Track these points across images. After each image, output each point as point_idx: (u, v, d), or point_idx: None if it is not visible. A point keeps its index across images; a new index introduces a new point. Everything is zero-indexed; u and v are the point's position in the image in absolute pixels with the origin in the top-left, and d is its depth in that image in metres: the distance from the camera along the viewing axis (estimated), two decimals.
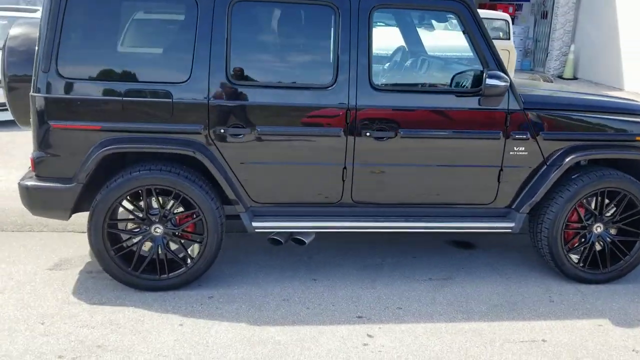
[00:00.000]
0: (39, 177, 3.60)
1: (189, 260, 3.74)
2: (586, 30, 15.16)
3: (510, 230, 4.01)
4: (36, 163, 3.56)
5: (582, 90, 5.75)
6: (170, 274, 3.73)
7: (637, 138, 4.09)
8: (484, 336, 3.42)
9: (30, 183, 3.59)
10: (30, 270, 3.98)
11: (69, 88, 3.47)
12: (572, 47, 15.27)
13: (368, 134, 3.71)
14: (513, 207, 4.03)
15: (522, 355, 3.23)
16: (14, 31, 3.98)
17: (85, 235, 4.46)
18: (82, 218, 4.68)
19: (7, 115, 7.83)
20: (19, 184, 3.66)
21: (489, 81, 3.63)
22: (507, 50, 11.21)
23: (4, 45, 3.97)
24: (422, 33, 4.50)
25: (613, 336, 3.48)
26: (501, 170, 3.94)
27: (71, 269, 4.03)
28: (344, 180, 3.80)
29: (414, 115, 3.77)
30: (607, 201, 4.09)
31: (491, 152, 3.89)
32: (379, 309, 3.66)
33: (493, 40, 3.77)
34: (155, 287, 3.73)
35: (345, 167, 3.77)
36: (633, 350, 3.34)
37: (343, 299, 3.78)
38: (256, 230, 3.76)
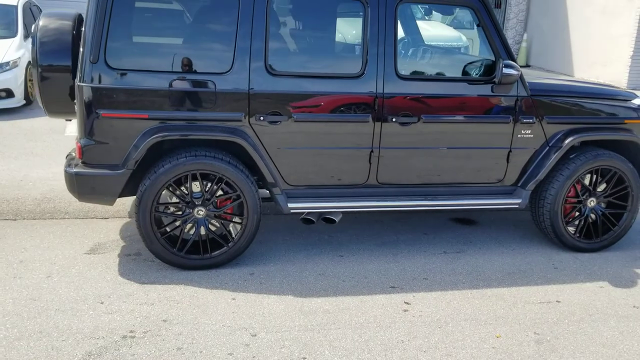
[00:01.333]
0: (86, 164, 3.74)
1: (230, 240, 3.96)
2: (538, 20, 15.97)
3: (517, 206, 4.42)
4: (84, 150, 3.70)
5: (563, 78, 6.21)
6: (213, 253, 3.95)
7: (626, 121, 4.57)
8: (506, 299, 3.81)
9: (78, 170, 3.72)
10: (69, 255, 4.11)
11: (117, 78, 3.62)
12: (525, 36, 16.06)
13: (394, 119, 4.03)
14: (519, 185, 4.44)
15: (543, 314, 3.64)
16: (44, 22, 4.07)
17: (110, 221, 4.68)
18: (102, 206, 4.84)
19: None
20: (65, 171, 3.78)
21: (506, 70, 4.00)
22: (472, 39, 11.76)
23: (35, 36, 4.06)
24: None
25: (614, 295, 3.95)
26: (510, 151, 4.34)
27: (108, 253, 4.18)
28: (370, 163, 4.11)
29: (434, 101, 4.11)
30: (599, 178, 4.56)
31: (502, 134, 4.28)
32: (407, 280, 4.00)
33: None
34: (200, 266, 3.95)
35: (372, 151, 4.07)
36: (633, 307, 3.81)
37: (372, 272, 4.10)
38: (291, 211, 4.02)
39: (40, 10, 10.74)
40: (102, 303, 3.50)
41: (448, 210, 4.89)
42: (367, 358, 3.11)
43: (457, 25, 11.62)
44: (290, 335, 3.27)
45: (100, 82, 3.61)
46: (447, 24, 10.81)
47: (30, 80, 8.56)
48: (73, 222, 4.75)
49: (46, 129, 7.46)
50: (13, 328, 3.20)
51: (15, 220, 4.74)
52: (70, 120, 4.77)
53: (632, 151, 4.62)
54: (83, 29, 3.72)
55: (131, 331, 3.23)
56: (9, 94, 8.00)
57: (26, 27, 9.12)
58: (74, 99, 4.19)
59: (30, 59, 4.16)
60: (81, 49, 3.87)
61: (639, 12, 13.44)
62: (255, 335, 3.25)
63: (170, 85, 3.67)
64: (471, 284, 4.00)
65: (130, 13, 3.65)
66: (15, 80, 8.06)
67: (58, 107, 4.25)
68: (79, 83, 3.64)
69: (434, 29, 8.30)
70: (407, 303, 3.70)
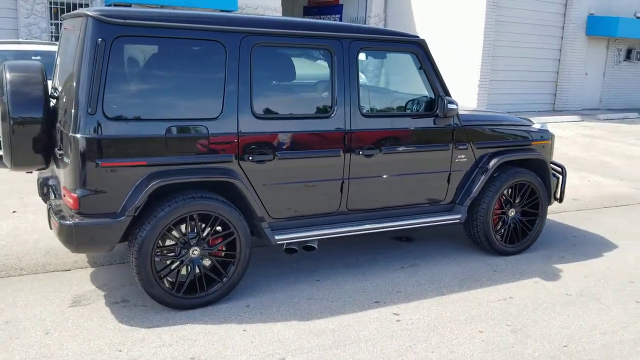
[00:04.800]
0: (83, 215, 3.74)
1: (224, 275, 4.15)
2: None
3: (458, 220, 5.12)
4: (81, 201, 3.71)
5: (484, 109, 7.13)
6: (209, 290, 4.11)
7: (532, 143, 5.52)
8: (472, 301, 4.45)
9: (77, 221, 3.71)
10: (55, 310, 4.02)
11: (115, 128, 3.71)
12: (383, 70, 17.58)
13: (360, 152, 4.53)
14: (457, 202, 5.16)
15: (505, 309, 4.32)
16: (13, 74, 4.02)
17: (74, 272, 4.66)
18: (57, 259, 4.74)
19: None
20: (61, 223, 3.74)
21: (450, 106, 4.70)
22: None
23: (5, 89, 3.99)
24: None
25: (549, 287, 4.77)
26: (450, 174, 5.04)
27: (94, 303, 4.15)
28: (341, 192, 4.56)
29: (391, 134, 4.69)
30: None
31: (444, 160, 4.97)
32: (385, 294, 4.48)
33: None
34: (197, 305, 4.08)
35: (343, 181, 4.53)
36: (567, 294, 4.64)
37: (353, 291, 4.52)
38: (278, 242, 4.33)
39: None
40: (120, 351, 3.53)
41: (400, 230, 5.45)
42: None
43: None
44: (314, 355, 3.57)
45: (98, 132, 3.67)
46: None
47: None
48: (35, 278, 4.58)
49: None
50: None
51: None
52: (30, 172, 4.62)
53: (537, 167, 5.57)
54: (69, 81, 3.75)
55: None
56: None
57: None
58: (39, 152, 4.17)
59: None
60: (62, 101, 3.90)
61: (481, 50, 15.50)
62: (284, 359, 3.51)
63: (167, 131, 3.84)
64: (438, 292, 4.58)
65: (126, 65, 3.77)
66: None
67: (26, 159, 4.19)
68: (73, 134, 3.66)
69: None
70: (396, 314, 4.17)
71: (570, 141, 12.60)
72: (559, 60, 17.71)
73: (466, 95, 15.83)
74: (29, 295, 4.24)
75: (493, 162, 5.16)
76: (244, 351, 3.58)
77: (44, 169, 4.47)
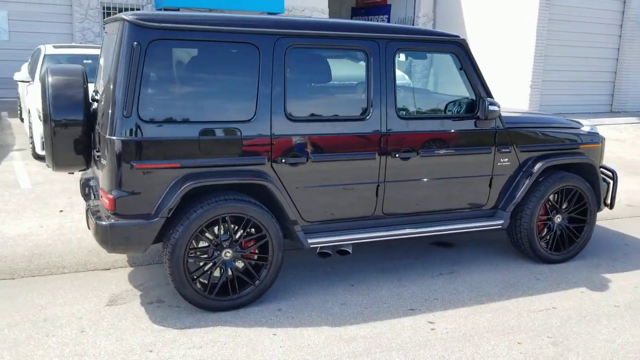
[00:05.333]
0: (118, 216, 3.80)
1: (256, 278, 4.14)
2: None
3: (500, 226, 4.94)
4: (116, 202, 3.76)
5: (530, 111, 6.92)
6: (241, 292, 4.10)
7: (580, 146, 5.28)
8: (512, 310, 4.27)
9: (113, 222, 3.77)
10: (91, 309, 4.09)
11: (150, 131, 3.75)
12: (432, 70, 17.30)
13: (397, 155, 4.43)
14: (499, 207, 4.98)
15: (547, 320, 4.13)
16: (54, 78, 4.12)
17: (113, 272, 4.73)
18: (98, 258, 4.83)
19: None
20: (97, 224, 3.81)
21: (491, 107, 4.55)
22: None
23: (46, 92, 4.09)
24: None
25: (595, 298, 4.54)
26: (492, 178, 4.87)
27: (130, 303, 4.20)
28: (377, 196, 4.47)
29: (430, 137, 4.56)
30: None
31: (485, 163, 4.81)
32: (421, 301, 4.37)
33: None
34: (229, 307, 4.08)
35: (378, 185, 4.44)
36: (615, 306, 4.41)
37: (387, 297, 4.42)
38: (311, 246, 4.28)
39: None
40: (151, 351, 3.55)
41: (439, 235, 5.32)
42: None
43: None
44: None
45: (133, 135, 3.72)
46: None
47: None
48: (76, 276, 4.68)
49: None
50: None
51: (13, 279, 4.60)
52: (72, 173, 4.74)
53: (586, 171, 5.32)
54: (107, 84, 3.82)
55: None
56: None
57: None
58: (81, 153, 4.26)
59: (42, 115, 4.15)
60: (101, 103, 3.97)
61: (534, 50, 15.04)
62: None
63: (200, 134, 3.85)
64: (476, 300, 4.43)
65: (161, 68, 3.81)
66: None
67: (67, 160, 4.29)
68: (110, 137, 3.72)
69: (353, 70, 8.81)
70: (431, 322, 4.05)
71: (628, 144, 12.05)
72: (617, 59, 16.99)
73: (517, 97, 15.39)
74: (68, 293, 4.34)
75: (538, 166, 4.96)
76: (273, 356, 3.54)
77: (84, 170, 4.57)
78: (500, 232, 5.51)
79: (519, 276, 4.91)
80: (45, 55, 9.16)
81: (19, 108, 11.00)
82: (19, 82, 9.91)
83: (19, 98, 10.66)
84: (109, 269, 4.83)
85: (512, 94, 15.34)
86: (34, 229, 5.64)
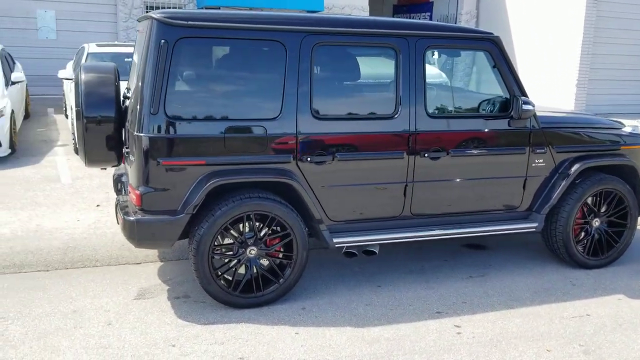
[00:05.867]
0: (145, 211, 3.85)
1: (281, 276, 4.13)
2: None
3: (534, 229, 4.79)
4: (143, 198, 3.81)
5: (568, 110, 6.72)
6: (265, 290, 4.10)
7: (621, 147, 5.07)
8: (543, 316, 4.14)
9: (139, 218, 3.82)
10: (120, 302, 4.17)
11: (176, 128, 3.78)
12: (475, 69, 16.98)
13: (426, 154, 4.34)
14: (533, 209, 4.83)
15: (580, 327, 3.98)
16: (87, 75, 4.20)
17: (143, 266, 4.77)
18: (130, 252, 4.91)
19: None
20: (124, 219, 3.88)
21: (525, 106, 4.41)
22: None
23: (79, 89, 4.18)
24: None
25: (634, 305, 4.35)
26: (526, 179, 4.72)
27: (157, 297, 4.26)
28: (405, 196, 4.40)
29: (461, 136, 4.46)
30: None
31: (519, 164, 4.67)
32: (448, 305, 4.27)
33: None
34: (254, 304, 4.09)
35: (406, 185, 4.37)
36: None
37: (413, 299, 4.35)
38: (336, 245, 4.24)
39: (12, 58, 10.66)
40: (173, 346, 3.59)
41: (470, 237, 5.20)
42: None
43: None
44: None
45: (160, 132, 3.76)
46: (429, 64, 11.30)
47: (13, 129, 8.46)
48: (108, 270, 4.78)
49: (39, 177, 7.39)
50: None
51: (47, 271, 4.73)
52: (104, 169, 4.84)
53: (627, 174, 5.10)
54: (137, 81, 3.88)
55: None
56: None
57: (5, 75, 9.04)
58: (113, 149, 4.34)
59: (75, 112, 4.25)
60: (131, 100, 4.02)
61: (580, 48, 14.59)
62: None
63: (226, 131, 3.86)
64: (506, 304, 4.30)
65: (188, 66, 3.84)
66: (2, 129, 7.96)
67: (99, 157, 4.37)
68: (137, 133, 3.78)
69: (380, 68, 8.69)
70: (458, 326, 3.95)
71: None
72: None
73: (563, 96, 14.95)
74: (99, 286, 4.43)
75: (575, 167, 4.79)
76: (293, 355, 3.53)
77: (116, 166, 4.65)
78: (535, 235, 5.35)
79: (553, 281, 4.76)
80: (88, 54, 9.40)
81: (64, 105, 11.34)
82: (63, 80, 10.21)
83: (64, 95, 10.98)
84: (139, 264, 4.91)
85: (558, 94, 14.91)
86: (70, 222, 5.79)
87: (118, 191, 4.79)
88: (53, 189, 6.94)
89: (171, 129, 3.78)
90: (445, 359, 3.53)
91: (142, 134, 3.76)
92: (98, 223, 5.79)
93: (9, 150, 8.15)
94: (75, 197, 6.64)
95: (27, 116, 10.83)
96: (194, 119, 3.83)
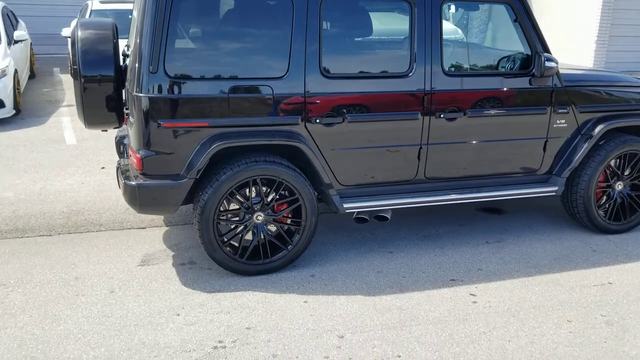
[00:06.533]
0: (147, 176, 3.68)
1: (289, 243, 3.98)
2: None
3: (554, 193, 4.58)
4: (144, 162, 3.64)
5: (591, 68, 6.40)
6: (273, 257, 3.95)
7: None
8: (563, 285, 3.96)
9: (140, 182, 3.66)
10: (123, 268, 4.04)
11: (177, 88, 3.57)
12: (490, 25, 16.42)
13: (441, 115, 4.11)
14: (553, 173, 4.61)
15: (602, 296, 3.81)
16: (84, 32, 3.98)
17: (148, 230, 4.64)
18: (135, 216, 4.77)
19: None
20: (125, 184, 3.71)
21: (547, 63, 4.14)
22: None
23: (76, 47, 3.96)
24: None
25: None
26: (546, 141, 4.48)
27: (162, 263, 4.13)
28: (419, 159, 4.18)
29: (478, 96, 4.21)
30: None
31: (540, 125, 4.42)
32: (463, 272, 4.11)
33: None
34: (260, 271, 3.95)
35: (421, 147, 4.15)
36: None
37: (427, 266, 4.18)
38: (347, 210, 4.06)
39: (15, 16, 10.39)
40: (178, 315, 3.47)
41: (487, 201, 5.00)
42: (458, 351, 3.19)
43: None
44: (375, 334, 3.32)
45: (160, 92, 3.55)
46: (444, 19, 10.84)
47: (17, 88, 8.28)
48: (112, 234, 4.65)
49: (43, 139, 7.24)
50: (99, 347, 3.14)
51: (50, 235, 4.61)
52: (106, 131, 4.66)
53: None
54: (135, 38, 3.65)
55: (220, 341, 3.22)
56: (0, 104, 7.71)
57: (7, 34, 8.80)
58: (113, 110, 4.14)
59: (71, 70, 4.04)
60: (130, 58, 3.81)
61: (601, 2, 14.00)
62: (343, 336, 3.29)
63: (230, 91, 3.65)
64: (525, 272, 4.13)
65: (188, 23, 3.60)
66: (5, 89, 7.77)
67: (99, 118, 4.18)
68: (136, 94, 3.57)
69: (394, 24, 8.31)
70: (473, 295, 3.80)
71: None
72: None
73: (581, 54, 14.45)
74: (102, 252, 4.31)
75: (599, 128, 4.53)
76: (302, 324, 3.40)
77: (118, 127, 4.47)
78: (553, 199, 5.14)
79: (573, 247, 4.57)
80: (92, 11, 9.12)
81: (69, 64, 11.10)
82: (67, 38, 9.96)
83: (69, 54, 10.73)
84: (144, 228, 4.78)
85: (575, 51, 14.41)
86: (75, 185, 5.66)
87: (121, 154, 4.63)
88: (58, 150, 6.79)
89: (172, 89, 3.57)
90: (460, 330, 3.39)
91: (141, 94, 3.56)
92: (103, 186, 5.65)
93: (13, 111, 7.99)
94: (80, 159, 6.50)
95: (32, 76, 10.63)
96: (196, 78, 3.62)
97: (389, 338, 3.28)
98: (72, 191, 5.50)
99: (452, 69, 4.17)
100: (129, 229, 4.77)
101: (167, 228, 4.78)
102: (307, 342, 3.22)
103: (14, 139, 7.17)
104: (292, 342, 3.22)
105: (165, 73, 3.54)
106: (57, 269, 4.02)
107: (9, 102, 7.84)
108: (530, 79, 4.32)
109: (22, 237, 4.55)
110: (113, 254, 4.27)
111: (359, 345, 3.20)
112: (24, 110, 8.48)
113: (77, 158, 6.52)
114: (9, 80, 7.89)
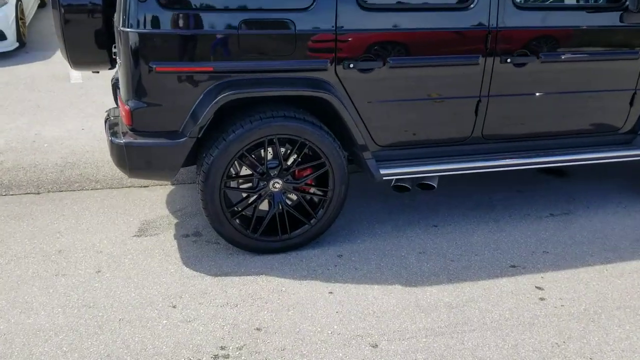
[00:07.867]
0: (137, 132, 2.96)
1: (313, 216, 3.26)
2: None
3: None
4: (133, 115, 2.91)
5: None
6: (292, 233, 3.25)
7: None
8: None
9: (129, 140, 2.94)
10: (116, 239, 3.40)
11: (174, 21, 2.79)
12: None
13: (508, 59, 3.25)
14: (639, 132, 3.74)
15: None
16: None
17: (151, 190, 3.99)
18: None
19: None
20: (111, 142, 3.01)
21: None
22: None
23: None
24: None
25: None
26: (635, 93, 3.60)
27: (162, 234, 3.48)
28: (476, 114, 3.37)
29: (554, 34, 3.32)
30: None
31: (629, 73, 3.54)
32: (525, 255, 3.36)
33: None
34: (277, 249, 3.27)
35: (480, 99, 3.32)
36: None
37: (480, 245, 3.44)
38: (384, 178, 3.30)
39: None
40: (174, 307, 2.82)
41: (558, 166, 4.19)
42: None
43: None
44: (419, 343, 2.63)
45: (152, 26, 2.77)
46: None
47: (21, 19, 7.53)
48: (108, 194, 4.00)
49: (47, 75, 6.55)
50: (72, 351, 2.52)
51: (38, 194, 3.98)
52: (97, 72, 3.93)
53: None
54: None
55: (222, 347, 2.57)
56: (1, 36, 6.99)
57: None
58: (103, 47, 3.40)
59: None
60: None
61: None
62: (376, 346, 2.61)
63: (240, 27, 2.84)
64: (601, 257, 3.36)
65: None
66: (5, 19, 7.03)
67: (85, 56, 3.46)
68: (123, 28, 2.81)
69: None
70: (540, 288, 3.06)
71: None
72: None
73: None
74: (94, 217, 3.67)
75: None
76: (325, 326, 2.72)
77: (111, 68, 3.72)
78: (632, 164, 4.28)
79: None
80: None
81: None
82: None
83: None
84: (146, 187, 4.12)
85: None
86: (74, 132, 5.00)
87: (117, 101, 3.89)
88: (60, 89, 6.12)
89: (166, 23, 2.78)
90: (527, 340, 2.67)
91: (128, 29, 2.79)
92: (104, 134, 4.96)
93: (16, 44, 7.28)
94: (83, 99, 5.82)
95: (42, 4, 9.83)
96: (198, 8, 2.81)
97: (435, 350, 2.59)
98: (70, 139, 4.85)
99: (525, 0, 3.27)
100: (129, 187, 4.12)
101: (172, 187, 4.11)
102: (332, 352, 2.55)
103: (14, 76, 6.50)
104: (312, 353, 2.55)
105: (158, 2, 2.74)
106: (39, 238, 3.40)
107: (10, 33, 7.11)
108: (622, 14, 3.39)
109: (5, 195, 3.93)
110: (106, 220, 3.62)
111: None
112: (29, 43, 7.76)
113: (80, 99, 5.84)
114: (10, 10, 7.14)
